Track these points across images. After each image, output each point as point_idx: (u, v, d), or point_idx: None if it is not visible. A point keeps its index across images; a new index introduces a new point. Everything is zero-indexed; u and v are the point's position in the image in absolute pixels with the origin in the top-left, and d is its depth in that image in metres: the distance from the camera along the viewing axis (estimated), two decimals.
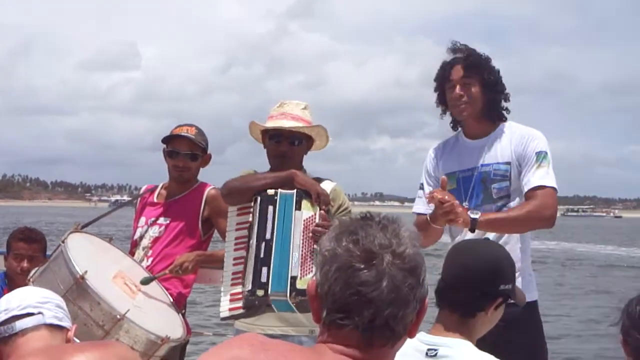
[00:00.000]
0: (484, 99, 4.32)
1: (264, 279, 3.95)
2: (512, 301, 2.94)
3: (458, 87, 4.29)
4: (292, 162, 4.41)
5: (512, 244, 4.16)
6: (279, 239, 4.03)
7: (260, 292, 3.94)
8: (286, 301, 3.90)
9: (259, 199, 4.15)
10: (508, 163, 4.25)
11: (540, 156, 4.22)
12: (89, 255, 4.33)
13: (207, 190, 5.01)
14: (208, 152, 5.07)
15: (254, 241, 4.06)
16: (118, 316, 3.96)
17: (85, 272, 4.01)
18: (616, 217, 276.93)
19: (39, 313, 2.81)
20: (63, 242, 4.23)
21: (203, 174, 5.14)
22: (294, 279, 3.96)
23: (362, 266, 1.82)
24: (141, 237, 4.95)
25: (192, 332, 4.84)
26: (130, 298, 4.29)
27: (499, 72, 4.38)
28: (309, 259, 4.01)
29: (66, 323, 2.88)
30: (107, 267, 4.41)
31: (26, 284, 3.97)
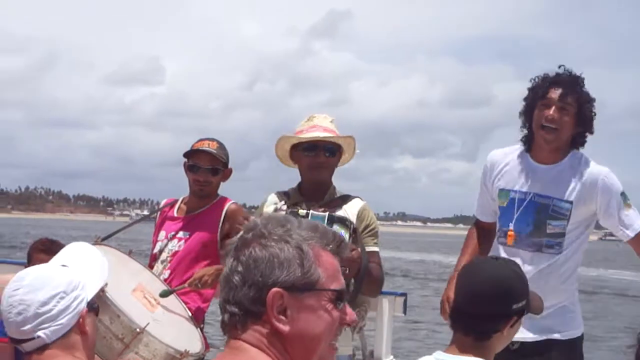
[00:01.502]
0: (572, 132, 4.16)
1: None
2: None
3: (554, 108, 4.10)
4: (327, 172, 4.44)
5: (551, 279, 4.12)
6: None
7: None
8: None
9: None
10: (570, 202, 4.11)
11: (624, 196, 4.13)
12: (109, 268, 4.33)
13: (228, 205, 5.01)
14: (229, 166, 5.07)
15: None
16: (138, 329, 3.95)
17: (105, 284, 4.01)
18: None
19: (38, 337, 2.65)
20: None
21: (224, 189, 5.15)
22: None
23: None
24: (160, 251, 4.97)
25: (211, 347, 4.84)
26: (149, 311, 4.29)
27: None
28: None
29: (73, 320, 2.70)
30: (126, 280, 4.41)
31: None
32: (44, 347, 2.67)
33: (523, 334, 3.97)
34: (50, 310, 2.68)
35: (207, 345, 4.60)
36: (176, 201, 5.19)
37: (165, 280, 4.78)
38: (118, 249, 4.72)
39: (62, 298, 2.71)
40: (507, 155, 4.37)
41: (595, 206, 4.11)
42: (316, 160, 4.39)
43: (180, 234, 4.96)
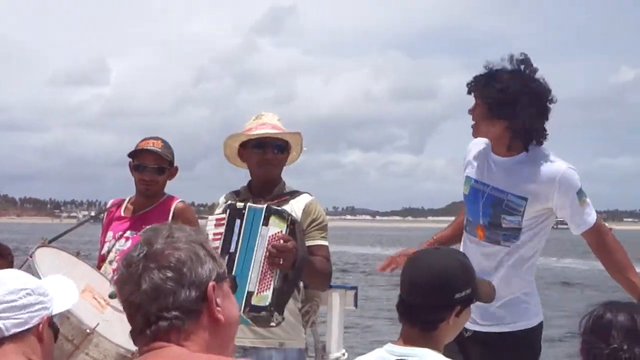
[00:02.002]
0: (495, 121, 4.12)
1: None
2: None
3: (472, 105, 4.19)
4: (276, 169, 4.48)
5: (503, 271, 4.15)
6: (242, 252, 4.05)
7: None
8: (241, 315, 3.86)
9: (228, 211, 4.17)
10: (524, 199, 4.11)
11: (580, 193, 4.11)
12: (57, 270, 4.29)
13: (175, 204, 5.00)
14: (175, 165, 5.06)
15: (219, 250, 4.07)
16: (88, 330, 3.93)
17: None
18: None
19: None
20: (31, 256, 4.21)
21: (172, 188, 5.14)
22: (250, 294, 3.97)
23: (122, 281, 2.07)
24: (108, 252, 4.93)
25: None
26: (99, 312, 4.27)
27: (531, 91, 4.07)
28: (269, 275, 4.01)
29: (33, 321, 2.72)
30: (75, 282, 4.37)
31: None
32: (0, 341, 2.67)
33: (475, 324, 4.02)
34: (14, 300, 2.69)
35: None
36: (123, 201, 5.17)
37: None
38: (66, 250, 4.68)
39: (28, 294, 2.73)
40: (479, 144, 4.39)
41: (552, 203, 4.12)
42: (265, 156, 4.42)
43: (128, 233, 4.93)
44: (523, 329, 4.19)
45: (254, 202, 4.28)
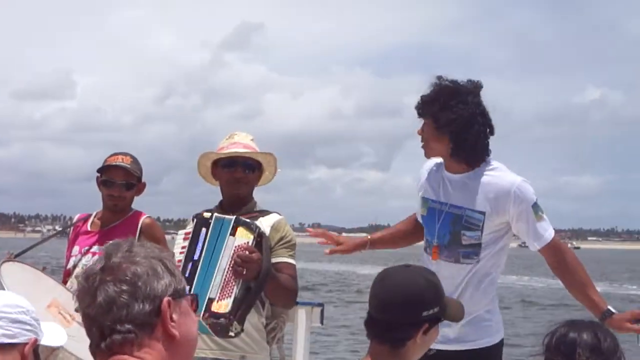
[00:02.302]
0: (441, 141, 4.17)
1: None
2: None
3: (421, 126, 4.24)
4: (246, 188, 4.52)
5: (464, 288, 4.16)
6: (205, 260, 4.09)
7: None
8: (200, 321, 3.89)
9: (195, 220, 4.21)
10: (482, 213, 4.13)
11: (536, 207, 4.13)
12: (23, 284, 4.29)
13: (142, 219, 5.01)
14: (142, 180, 5.07)
15: (182, 260, 4.11)
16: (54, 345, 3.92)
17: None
18: (575, 247, 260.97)
19: None
20: None
21: (137, 203, 5.14)
22: (210, 300, 4.01)
23: (80, 293, 2.07)
24: (74, 266, 4.91)
25: None
26: (65, 327, 4.26)
27: (476, 108, 4.13)
28: (231, 284, 4.05)
29: (21, 338, 2.79)
30: (41, 296, 4.36)
31: None
32: None
33: (438, 342, 4.04)
34: (9, 313, 2.77)
35: None
36: (89, 216, 5.15)
37: None
38: (32, 265, 4.67)
39: (23, 313, 2.82)
40: (432, 164, 4.42)
41: (508, 216, 4.13)
42: (234, 175, 4.46)
43: (95, 248, 4.91)
44: (485, 346, 4.20)
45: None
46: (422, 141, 4.24)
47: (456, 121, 4.08)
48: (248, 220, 4.24)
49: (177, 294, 2.04)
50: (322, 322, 5.27)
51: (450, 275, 4.13)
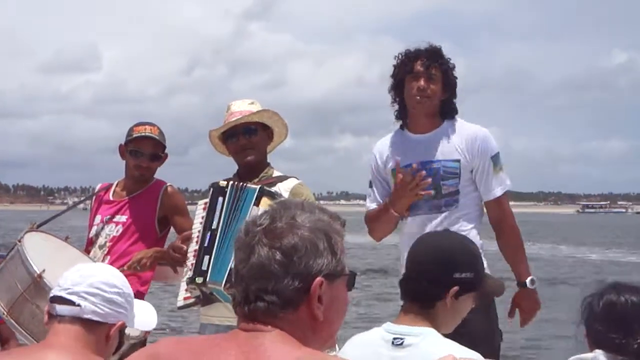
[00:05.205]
0: (443, 97, 4.40)
1: (204, 267, 3.98)
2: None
3: (423, 80, 4.35)
4: (254, 152, 4.51)
5: None
6: (223, 228, 4.06)
7: (199, 280, 3.97)
8: (222, 291, 3.90)
9: (211, 190, 4.21)
10: (457, 161, 4.33)
11: (496, 159, 4.35)
12: (46, 254, 4.31)
13: (163, 188, 5.03)
14: (165, 151, 5.09)
15: (201, 230, 4.12)
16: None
17: (43, 270, 3.99)
18: (637, 212, 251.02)
19: (78, 305, 2.70)
20: (19, 241, 4.21)
21: (165, 174, 5.16)
22: (232, 270, 4.00)
23: (238, 245, 1.98)
24: (97, 235, 4.97)
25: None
26: None
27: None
28: None
29: (110, 319, 2.75)
30: (64, 266, 4.38)
31: None
32: (71, 320, 2.69)
33: None
34: (104, 291, 2.74)
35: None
36: (111, 185, 5.18)
37: None
38: (55, 235, 4.70)
39: (118, 294, 2.78)
40: (387, 140, 4.61)
41: (474, 162, 4.35)
42: (238, 144, 4.49)
43: (117, 217, 4.97)
44: None
45: None
46: (429, 94, 4.36)
47: (454, 82, 4.44)
48: (272, 190, 4.24)
49: (333, 275, 1.94)
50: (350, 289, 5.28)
51: (429, 226, 4.32)
